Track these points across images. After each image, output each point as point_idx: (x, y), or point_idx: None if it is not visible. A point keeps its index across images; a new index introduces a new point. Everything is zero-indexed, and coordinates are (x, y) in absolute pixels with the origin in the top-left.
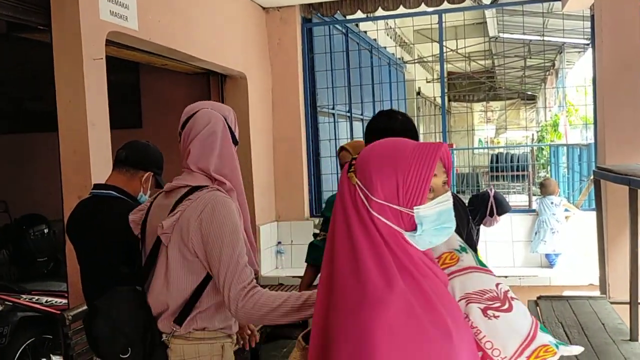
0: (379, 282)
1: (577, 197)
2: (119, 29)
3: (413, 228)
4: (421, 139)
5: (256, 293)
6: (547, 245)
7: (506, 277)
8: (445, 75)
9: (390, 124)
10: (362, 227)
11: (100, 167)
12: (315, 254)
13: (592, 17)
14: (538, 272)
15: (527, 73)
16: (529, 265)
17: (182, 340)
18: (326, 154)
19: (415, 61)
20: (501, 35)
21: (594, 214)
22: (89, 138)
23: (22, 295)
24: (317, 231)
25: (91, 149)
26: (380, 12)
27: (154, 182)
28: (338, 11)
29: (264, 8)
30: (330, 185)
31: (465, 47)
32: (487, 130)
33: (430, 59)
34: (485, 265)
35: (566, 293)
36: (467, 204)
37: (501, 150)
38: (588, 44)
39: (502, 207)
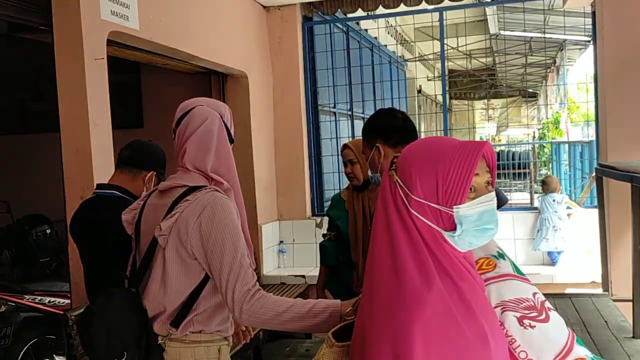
0: (417, 282)
1: (579, 195)
2: (120, 29)
3: (453, 228)
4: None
5: (262, 296)
6: (549, 243)
7: None
8: (446, 73)
9: (392, 123)
10: (401, 225)
11: (102, 167)
12: (324, 255)
13: (593, 14)
14: (540, 270)
15: (528, 70)
16: (531, 263)
17: (178, 343)
18: (327, 152)
19: (416, 59)
20: (502, 32)
21: (596, 211)
22: (90, 138)
23: (25, 296)
24: (326, 232)
25: (93, 149)
26: (380, 10)
27: (157, 182)
28: (339, 9)
29: (264, 7)
30: (331, 184)
31: (466, 45)
32: (488, 128)
33: (431, 56)
34: (522, 274)
35: (568, 291)
36: None
37: (502, 148)
38: (589, 41)
39: (500, 200)
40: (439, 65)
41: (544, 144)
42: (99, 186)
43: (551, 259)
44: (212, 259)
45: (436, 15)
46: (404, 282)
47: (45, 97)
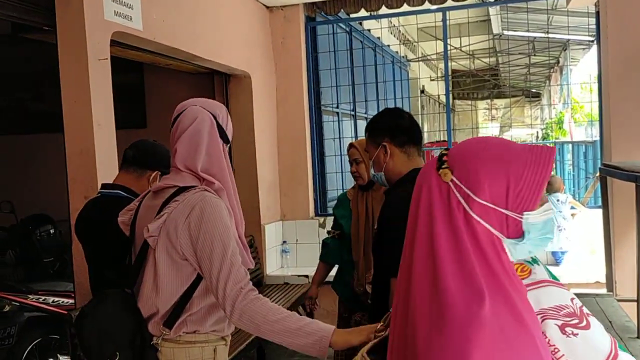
0: (469, 296)
1: (583, 195)
2: (124, 29)
3: (517, 235)
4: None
5: (257, 299)
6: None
7: None
8: (449, 73)
9: (400, 122)
10: (450, 231)
11: (106, 167)
12: (325, 251)
13: (597, 13)
14: None
15: (531, 70)
16: None
17: (172, 344)
18: (331, 152)
19: (419, 59)
20: (505, 32)
21: (600, 211)
22: (94, 138)
23: (29, 296)
24: (330, 229)
25: (97, 149)
26: (383, 10)
27: None
28: (342, 10)
29: (267, 7)
30: (335, 184)
31: (469, 45)
32: (491, 128)
33: (434, 57)
34: (556, 278)
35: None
36: None
37: None
38: (593, 41)
39: None
40: (442, 65)
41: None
42: (104, 186)
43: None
44: (202, 258)
45: (439, 15)
46: (451, 295)
47: (49, 98)
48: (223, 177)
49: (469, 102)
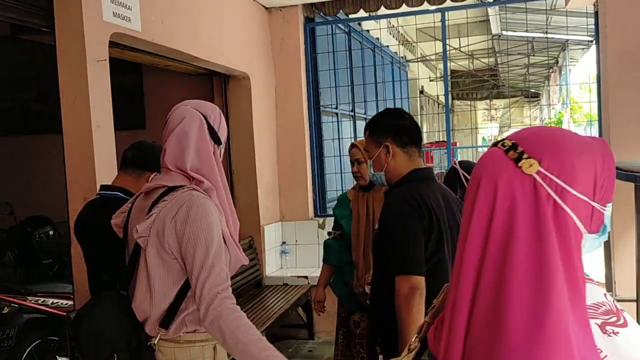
0: (565, 307)
1: None
2: (122, 30)
3: (596, 230)
4: (425, 137)
5: (233, 310)
6: None
7: None
8: (449, 73)
9: (402, 123)
10: (536, 230)
11: (105, 168)
12: (328, 253)
13: (596, 13)
14: None
15: (530, 70)
16: None
17: (173, 344)
18: (330, 153)
19: (418, 60)
20: (504, 32)
21: None
22: (93, 139)
23: (28, 297)
24: (331, 230)
25: (96, 150)
26: (382, 10)
27: None
28: (340, 10)
29: (266, 8)
30: (334, 184)
31: (468, 45)
32: (490, 128)
33: (433, 57)
34: (587, 274)
35: None
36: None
37: None
38: (591, 41)
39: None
40: (441, 65)
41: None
42: (103, 187)
43: None
44: (186, 258)
45: (438, 15)
46: (548, 305)
47: (47, 99)
48: (213, 177)
49: (468, 102)
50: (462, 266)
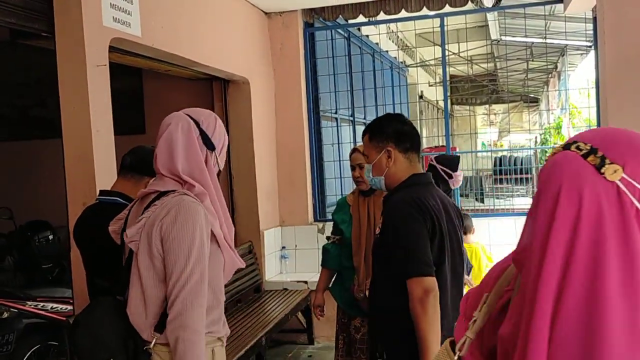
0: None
1: None
2: (122, 35)
3: None
4: (424, 142)
5: (197, 333)
6: None
7: None
8: (448, 78)
9: (404, 128)
10: (624, 241)
11: (105, 173)
12: (326, 257)
13: (595, 19)
14: None
15: (529, 76)
16: None
17: (169, 348)
18: (329, 158)
19: (418, 65)
20: (503, 38)
21: None
22: (93, 144)
23: (28, 302)
24: (330, 234)
25: (95, 155)
26: (382, 16)
27: None
28: (340, 15)
29: (266, 13)
30: (334, 189)
31: (467, 50)
32: (490, 133)
33: (432, 62)
34: None
35: None
36: None
37: (504, 153)
38: (590, 46)
39: (452, 164)
40: (440, 70)
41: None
42: (102, 193)
43: None
44: (167, 260)
45: (437, 21)
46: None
47: (47, 104)
48: (204, 181)
49: (468, 107)
50: (540, 279)
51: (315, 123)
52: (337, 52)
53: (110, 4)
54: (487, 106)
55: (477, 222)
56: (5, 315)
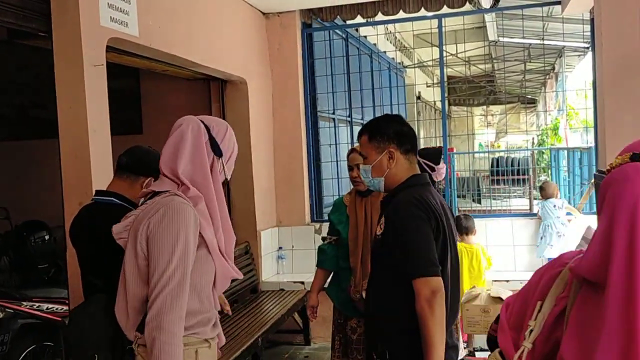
0: None
1: (578, 201)
2: (120, 35)
3: None
4: (421, 143)
5: (175, 336)
6: (554, 249)
7: (507, 281)
8: (445, 79)
9: (404, 130)
10: None
11: (101, 173)
12: (322, 257)
13: (592, 20)
14: None
15: (527, 77)
16: (532, 269)
17: None
18: (327, 158)
19: (415, 66)
20: (501, 39)
21: (595, 217)
22: (89, 144)
23: (23, 302)
24: (325, 235)
25: (92, 155)
26: (380, 17)
27: None
28: (338, 16)
29: (264, 13)
30: (331, 190)
31: (465, 52)
32: (487, 134)
33: (430, 63)
34: None
35: None
36: None
37: (502, 154)
38: (588, 48)
39: (435, 157)
40: (438, 71)
41: (543, 150)
42: (98, 193)
43: None
44: (151, 259)
45: (435, 22)
46: None
47: (44, 104)
48: (206, 186)
49: (465, 108)
50: (636, 306)
51: (313, 123)
52: (335, 52)
53: (108, 3)
54: (484, 107)
55: None
56: (1, 315)
